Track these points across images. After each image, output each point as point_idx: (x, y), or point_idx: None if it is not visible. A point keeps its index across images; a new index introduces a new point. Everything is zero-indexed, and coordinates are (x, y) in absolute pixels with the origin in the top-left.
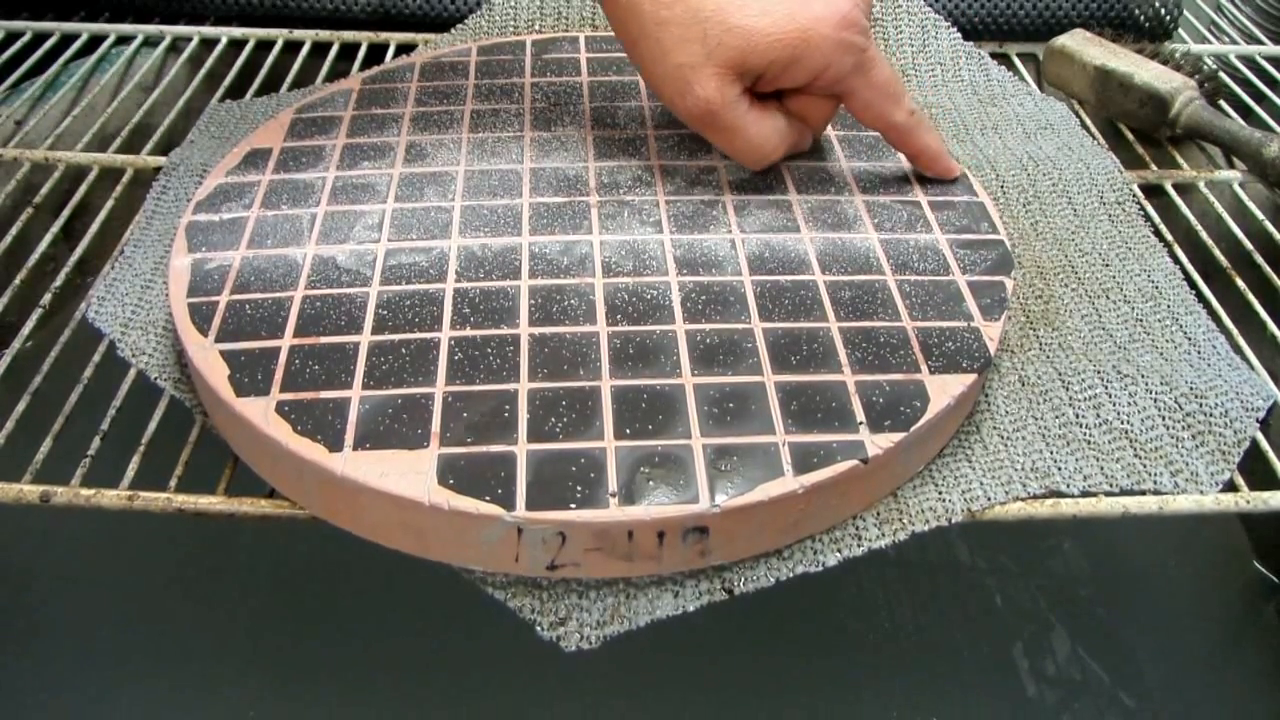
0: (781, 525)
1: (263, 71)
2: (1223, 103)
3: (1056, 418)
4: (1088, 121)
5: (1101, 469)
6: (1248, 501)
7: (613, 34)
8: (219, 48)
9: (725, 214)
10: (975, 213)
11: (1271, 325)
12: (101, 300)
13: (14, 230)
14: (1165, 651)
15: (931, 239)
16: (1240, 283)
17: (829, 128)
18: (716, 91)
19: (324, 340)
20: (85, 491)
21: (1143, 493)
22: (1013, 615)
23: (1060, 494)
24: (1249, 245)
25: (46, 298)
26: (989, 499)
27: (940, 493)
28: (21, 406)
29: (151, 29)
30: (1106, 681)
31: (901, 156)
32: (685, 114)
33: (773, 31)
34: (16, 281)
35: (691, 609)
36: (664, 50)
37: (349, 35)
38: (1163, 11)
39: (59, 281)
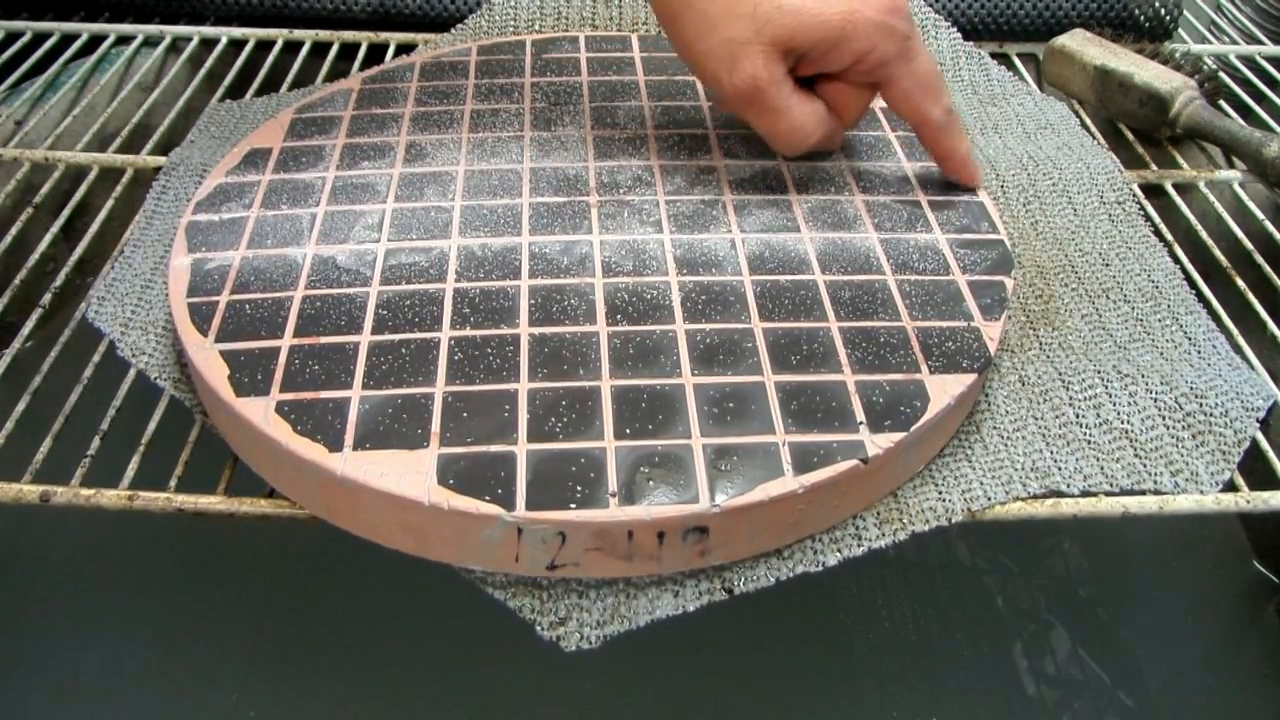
0: (781, 525)
1: (263, 71)
2: (1223, 103)
3: (1057, 417)
4: (1088, 121)
5: (1102, 469)
6: (1248, 501)
7: (613, 34)
8: (219, 48)
9: (725, 214)
10: (975, 212)
11: (1271, 325)
12: (101, 300)
13: (14, 230)
14: (1165, 651)
15: (931, 239)
16: (1240, 283)
17: None
18: (765, 69)
19: (324, 340)
20: (85, 491)
21: (1143, 493)
22: (1013, 615)
23: (1060, 494)
24: (1249, 245)
25: (46, 298)
26: (989, 499)
27: (940, 493)
28: (21, 406)
29: (151, 29)
30: (1106, 681)
31: (901, 155)
32: (731, 91)
33: (821, 11)
34: (16, 281)
35: (691, 609)
36: (711, 25)
37: (349, 35)
38: (1163, 11)
39: (59, 281)
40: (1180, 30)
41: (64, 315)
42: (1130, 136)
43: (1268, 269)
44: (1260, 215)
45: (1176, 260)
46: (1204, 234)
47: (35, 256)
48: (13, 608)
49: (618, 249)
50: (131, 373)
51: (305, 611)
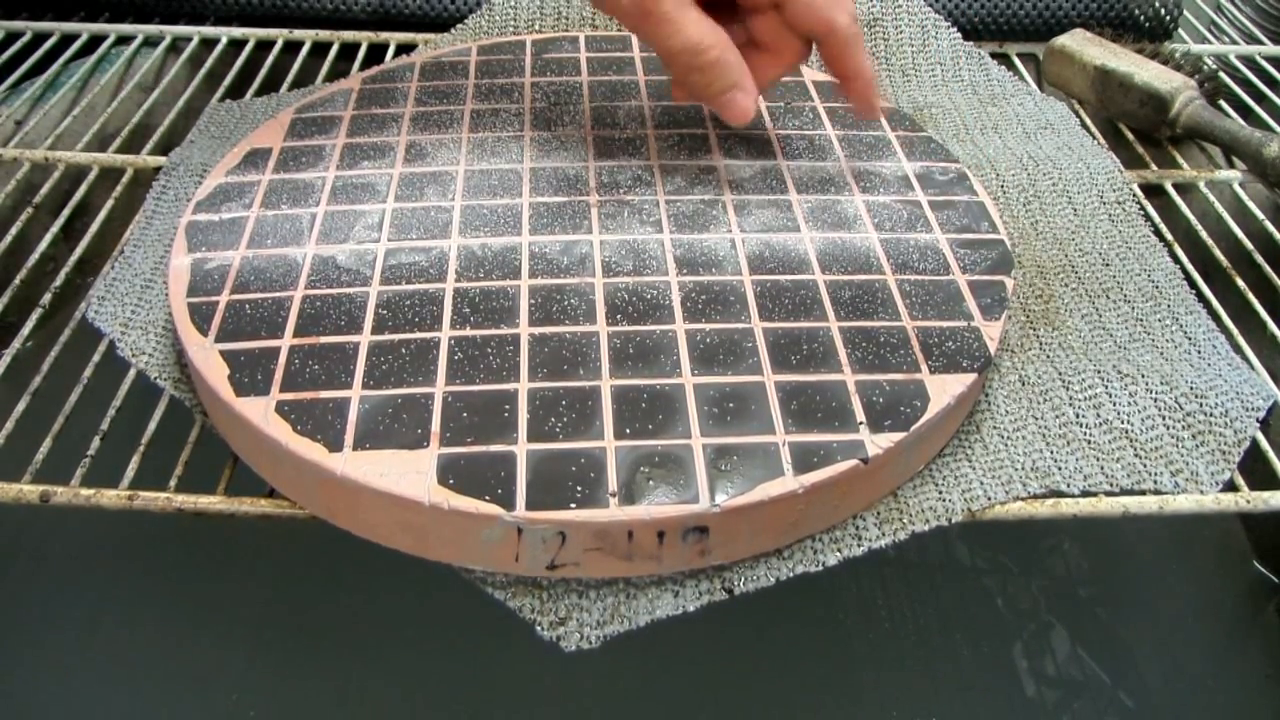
0: (781, 525)
1: (263, 71)
2: (1223, 103)
3: (1057, 417)
4: (1088, 121)
5: (1102, 469)
6: (1248, 501)
7: (613, 34)
8: (219, 48)
9: (725, 214)
10: (975, 212)
11: (1271, 325)
12: (101, 300)
13: (14, 230)
14: (1165, 651)
15: (931, 238)
16: (1240, 282)
17: (829, 126)
18: None
19: (324, 340)
20: (85, 491)
21: (1143, 493)
22: (1013, 615)
23: (1060, 494)
24: (1249, 245)
25: (46, 298)
26: (989, 499)
27: (940, 492)
28: (21, 406)
29: (151, 29)
30: (1106, 681)
31: (901, 155)
32: (626, 4)
33: None
34: (16, 281)
35: (691, 609)
36: None
37: (349, 35)
38: (1163, 11)
39: (59, 281)
40: (1180, 30)
41: (64, 315)
42: (1130, 136)
43: (1268, 269)
44: (1260, 215)
45: (1176, 260)
46: (1204, 234)
47: (35, 256)
48: (13, 607)
49: (618, 249)
50: (131, 373)
51: (305, 611)
